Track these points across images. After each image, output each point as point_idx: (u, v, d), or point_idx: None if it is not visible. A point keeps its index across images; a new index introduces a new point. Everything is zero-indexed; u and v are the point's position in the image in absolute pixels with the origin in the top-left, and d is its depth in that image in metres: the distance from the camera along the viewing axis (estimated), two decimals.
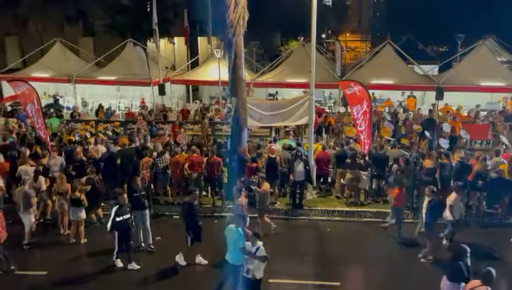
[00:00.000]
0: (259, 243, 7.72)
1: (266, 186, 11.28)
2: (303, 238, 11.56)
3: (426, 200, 10.17)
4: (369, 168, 12.86)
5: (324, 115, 18.79)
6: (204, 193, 13.37)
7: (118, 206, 9.44)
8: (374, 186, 13.18)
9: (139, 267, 9.64)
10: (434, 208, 9.98)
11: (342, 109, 20.63)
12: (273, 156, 12.68)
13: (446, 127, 16.57)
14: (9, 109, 20.74)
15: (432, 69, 23.45)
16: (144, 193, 10.55)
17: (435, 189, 10.45)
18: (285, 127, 16.54)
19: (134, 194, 10.29)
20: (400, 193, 10.99)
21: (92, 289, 9.15)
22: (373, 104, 17.12)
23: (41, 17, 27.22)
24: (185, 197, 10.42)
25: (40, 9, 27.09)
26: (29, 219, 10.57)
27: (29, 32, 27.71)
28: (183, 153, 13.38)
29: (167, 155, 13.07)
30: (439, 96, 18.95)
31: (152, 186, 13.10)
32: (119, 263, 9.64)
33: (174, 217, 12.38)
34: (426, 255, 10.06)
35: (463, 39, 24.14)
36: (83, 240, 10.84)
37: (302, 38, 33.83)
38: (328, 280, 9.36)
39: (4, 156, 13.05)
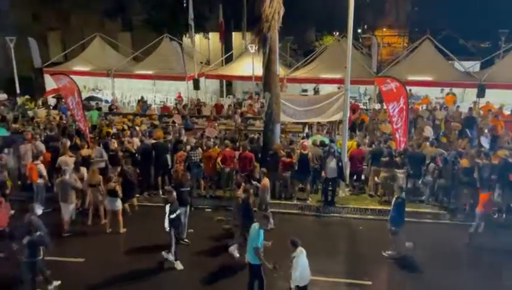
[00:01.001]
0: (298, 252, 7.53)
1: (266, 181, 11.25)
2: (334, 236, 11.45)
3: None
4: (404, 167, 12.57)
5: (358, 111, 18.50)
6: (234, 187, 13.46)
7: (169, 204, 9.42)
8: (409, 186, 12.87)
9: (182, 267, 9.59)
10: None
11: (377, 106, 20.24)
12: (305, 152, 12.59)
13: (487, 126, 15.95)
14: (53, 101, 21.59)
15: (472, 66, 22.58)
16: (189, 188, 10.65)
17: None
18: (318, 123, 16.38)
19: (181, 189, 10.33)
20: (489, 197, 10.66)
21: (126, 276, 9.37)
22: (410, 101, 16.68)
23: (83, 13, 28.12)
24: (240, 193, 10.29)
25: (82, 4, 27.97)
26: (69, 208, 10.95)
27: (71, 27, 28.70)
28: (216, 147, 13.54)
29: (200, 149, 13.24)
30: (481, 94, 18.25)
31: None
32: (179, 265, 9.56)
33: (206, 210, 12.58)
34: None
35: (507, 35, 23.06)
36: (122, 230, 11.13)
37: (338, 33, 33.36)
38: (359, 279, 9.25)
39: (46, 146, 13.62)
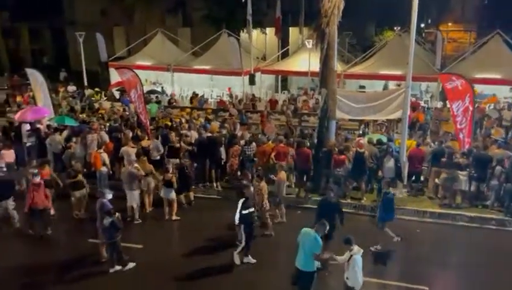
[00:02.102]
0: (355, 249, 7.34)
1: (283, 174, 11.09)
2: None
3: None
4: (467, 169, 11.90)
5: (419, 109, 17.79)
6: (287, 183, 13.41)
7: (244, 199, 9.35)
8: (472, 189, 12.17)
9: (255, 261, 9.52)
10: None
11: (439, 104, 19.32)
12: (362, 150, 12.28)
13: None
14: (116, 94, 22.72)
15: None
16: (247, 184, 10.44)
17: None
18: (375, 121, 15.92)
19: (240, 184, 10.37)
20: None
21: (182, 265, 9.63)
22: (476, 100, 15.75)
23: (146, 9, 29.26)
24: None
25: (146, 1, 29.10)
26: (134, 197, 11.42)
27: (135, 23, 29.94)
28: (270, 142, 13.58)
29: (254, 144, 13.34)
30: None
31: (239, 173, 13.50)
32: (237, 259, 9.48)
33: None
34: None
35: None
36: (174, 217, 11.50)
37: (399, 28, 32.12)
38: (415, 283, 8.91)
39: (109, 137, 14.35)
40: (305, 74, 21.46)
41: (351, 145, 12.98)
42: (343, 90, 15.73)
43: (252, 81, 22.14)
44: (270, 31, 29.81)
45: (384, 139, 13.45)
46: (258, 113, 18.62)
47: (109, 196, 9.29)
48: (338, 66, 16.16)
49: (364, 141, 13.11)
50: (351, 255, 7.32)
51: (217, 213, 11.68)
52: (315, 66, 17.77)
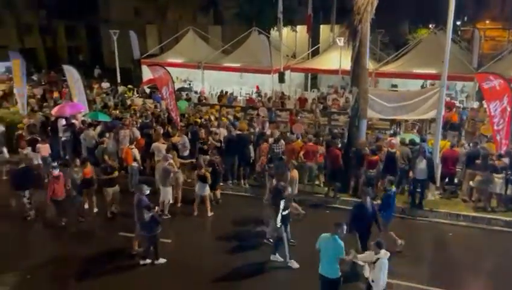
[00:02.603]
0: (382, 253, 7.15)
1: (295, 173, 10.99)
2: (420, 240, 10.84)
3: None
4: (504, 171, 11.46)
5: (454, 110, 17.25)
6: (317, 182, 13.32)
7: (283, 199, 9.20)
8: (509, 192, 11.72)
9: (283, 259, 9.36)
10: None
11: (475, 104, 18.68)
12: (393, 150, 12.03)
13: None
14: (148, 90, 23.15)
15: None
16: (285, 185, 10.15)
17: None
18: (406, 120, 15.56)
19: (278, 187, 9.90)
20: None
21: (211, 259, 9.72)
22: None
23: (178, 7, 29.68)
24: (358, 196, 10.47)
25: None
26: (167, 192, 11.60)
27: (167, 21, 30.41)
28: (299, 140, 13.50)
29: (283, 142, 13.30)
30: None
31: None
32: (279, 258, 9.33)
33: None
34: None
35: None
36: (210, 213, 11.60)
37: (434, 25, 31.26)
38: (445, 288, 8.66)
39: (141, 133, 14.63)
40: (335, 72, 21.21)
41: (383, 145, 12.74)
42: (375, 89, 15.50)
43: (281, 79, 22.07)
44: (300, 28, 29.59)
45: (417, 140, 13.12)
46: (287, 111, 18.54)
47: (147, 191, 9.49)
48: (370, 65, 15.90)
49: (396, 141, 12.84)
50: (378, 259, 7.16)
51: (245, 210, 11.72)
52: (346, 64, 17.53)
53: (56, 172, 10.95)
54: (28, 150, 13.66)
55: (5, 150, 14.32)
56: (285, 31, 28.15)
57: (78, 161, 11.44)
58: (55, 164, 11.36)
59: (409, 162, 11.93)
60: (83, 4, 34.89)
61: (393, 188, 9.92)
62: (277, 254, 9.44)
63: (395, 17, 32.71)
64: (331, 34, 27.35)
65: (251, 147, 13.59)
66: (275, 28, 26.10)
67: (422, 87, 20.83)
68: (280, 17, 21.80)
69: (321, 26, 31.72)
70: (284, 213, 9.15)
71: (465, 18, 53.30)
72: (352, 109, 12.78)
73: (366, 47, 12.21)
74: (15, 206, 11.64)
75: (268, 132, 14.58)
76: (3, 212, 11.67)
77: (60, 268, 9.35)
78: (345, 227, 7.50)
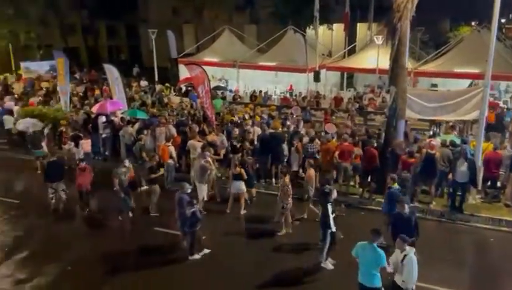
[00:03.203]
0: (408, 249, 6.90)
1: (312, 172, 10.86)
2: (459, 245, 10.45)
3: None
4: None
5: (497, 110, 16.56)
6: (352, 183, 13.12)
7: (331, 203, 9.06)
8: None
9: (333, 266, 9.05)
10: None
11: None
12: (433, 152, 11.67)
13: None
14: (184, 89, 23.55)
15: None
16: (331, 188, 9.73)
17: None
18: (448, 121, 15.05)
19: (325, 189, 9.59)
20: None
21: (242, 257, 9.78)
22: None
23: (215, 7, 30.00)
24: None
25: None
26: (203, 189, 11.72)
27: (204, 20, 30.80)
28: (334, 140, 13.35)
29: (318, 141, 13.19)
30: None
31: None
32: (329, 265, 9.08)
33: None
34: None
35: None
36: (243, 211, 11.64)
37: (477, 23, 30.09)
38: None
39: (177, 130, 14.89)
40: (372, 71, 20.84)
41: (421, 146, 12.39)
42: (414, 89, 15.10)
43: (316, 78, 21.90)
44: (337, 27, 29.26)
45: (458, 141, 12.68)
46: (322, 110, 18.37)
47: (188, 189, 9.70)
48: (409, 64, 15.50)
49: (436, 142, 12.45)
50: (405, 255, 6.86)
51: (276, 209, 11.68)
52: (384, 63, 17.21)
53: (82, 165, 11.56)
54: (70, 146, 14.23)
55: (44, 145, 14.94)
56: (321, 29, 27.90)
57: (126, 162, 11.42)
58: (128, 163, 11.43)
59: (450, 164, 11.54)
60: (123, 4, 35.86)
61: (396, 186, 9.81)
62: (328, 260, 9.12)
63: (435, 14, 31.72)
64: (368, 32, 26.86)
65: (285, 146, 13.54)
66: (311, 27, 25.88)
67: (470, 86, 20.12)
68: (316, 15, 21.61)
69: (358, 24, 31.21)
70: (333, 216, 8.93)
71: (510, 16, 51.00)
72: (389, 109, 12.50)
73: (406, 45, 11.91)
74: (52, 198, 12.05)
75: (302, 131, 14.49)
76: (42, 204, 12.11)
77: (98, 261, 9.63)
78: (381, 235, 7.22)
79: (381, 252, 7.00)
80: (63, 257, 9.70)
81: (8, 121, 17.19)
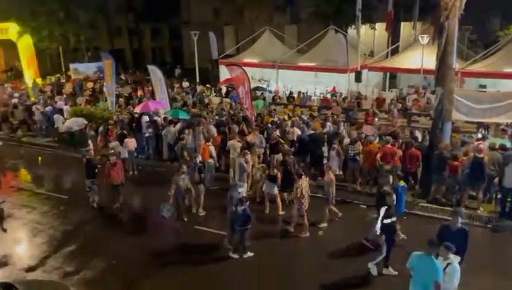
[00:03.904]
0: (452, 257, 6.61)
1: (331, 175, 10.73)
2: (505, 253, 9.93)
3: None
4: None
5: None
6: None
7: (386, 207, 8.61)
8: None
9: (396, 273, 8.66)
10: None
11: None
12: (481, 155, 11.15)
13: None
14: (224, 90, 23.84)
15: None
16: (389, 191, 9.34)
17: None
18: (498, 124, 14.35)
19: (382, 192, 9.37)
20: None
21: (279, 256, 9.78)
22: None
23: (255, 8, 30.17)
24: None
25: (256, 0, 30.02)
26: (243, 187, 11.63)
27: (244, 22, 31.04)
28: (376, 142, 13.07)
29: (359, 143, 12.95)
30: None
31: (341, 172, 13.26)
32: (374, 270, 8.76)
33: (360, 206, 12.26)
34: None
35: None
36: (280, 212, 11.61)
37: None
38: None
39: (217, 130, 15.08)
40: (417, 71, 20.25)
41: (468, 150, 11.88)
42: (461, 90, 14.52)
43: (358, 79, 21.52)
44: (379, 26, 28.59)
45: (508, 145, 12.05)
46: (363, 111, 18.03)
47: (240, 189, 9.85)
48: (456, 64, 14.90)
49: (484, 145, 11.90)
50: (448, 264, 6.59)
51: (314, 212, 11.52)
52: (429, 63, 16.68)
53: (113, 159, 12.01)
54: (115, 144, 14.73)
55: (90, 143, 15.58)
56: (363, 28, 27.36)
57: (184, 168, 11.04)
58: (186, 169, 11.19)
59: (499, 168, 11.00)
60: (167, 7, 36.78)
61: (402, 184, 9.60)
62: (390, 267, 8.78)
63: (484, 12, 30.36)
64: (412, 31, 26.10)
65: (325, 148, 13.40)
66: (353, 26, 25.48)
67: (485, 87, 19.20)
68: (359, 14, 21.25)
69: (402, 23, 30.32)
70: (387, 221, 8.51)
71: None
72: (435, 111, 12.08)
73: (453, 45, 11.46)
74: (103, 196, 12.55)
75: (343, 133, 14.28)
76: (89, 200, 12.62)
77: (141, 257, 9.89)
78: (438, 246, 6.75)
79: (439, 265, 6.59)
80: (108, 251, 10.07)
81: (58, 120, 18.07)
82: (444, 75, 11.63)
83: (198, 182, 11.62)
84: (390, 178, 10.47)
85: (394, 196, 9.14)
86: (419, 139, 13.53)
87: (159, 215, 10.61)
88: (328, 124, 15.38)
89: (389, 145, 12.29)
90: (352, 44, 23.45)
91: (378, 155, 12.24)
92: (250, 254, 9.67)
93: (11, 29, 27.21)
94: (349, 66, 21.47)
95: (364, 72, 22.40)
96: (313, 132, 14.02)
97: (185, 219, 11.21)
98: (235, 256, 9.63)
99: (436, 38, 11.55)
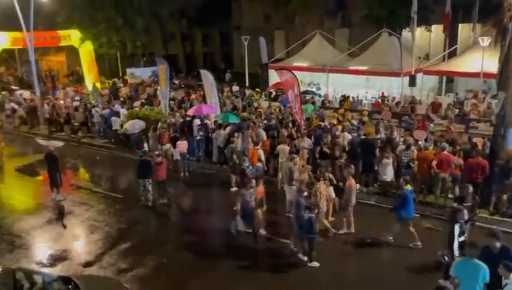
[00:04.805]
0: None
1: (352, 181, 10.45)
2: None
3: None
4: None
5: None
6: (450, 196, 12.19)
7: (459, 223, 8.14)
8: None
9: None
10: None
11: None
12: None
13: None
14: (273, 94, 23.91)
15: None
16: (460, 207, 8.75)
17: None
18: None
19: (455, 207, 8.86)
20: None
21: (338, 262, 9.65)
22: None
23: (306, 12, 30.01)
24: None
25: (307, 4, 29.87)
26: (292, 192, 11.55)
27: (295, 26, 31.00)
28: (431, 148, 12.55)
29: (414, 149, 12.50)
30: None
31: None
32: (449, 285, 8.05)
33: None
34: None
35: None
36: (331, 218, 11.32)
37: None
38: None
39: (266, 134, 15.13)
40: (476, 75, 19.23)
41: None
42: None
43: (412, 83, 20.77)
44: (435, 28, 27.48)
45: None
46: (418, 116, 17.37)
47: (305, 193, 9.82)
48: None
49: None
50: (506, 284, 6.22)
51: (367, 219, 11.22)
52: (489, 66, 15.84)
53: (159, 159, 12.67)
54: (168, 146, 15.21)
55: (146, 145, 16.16)
56: (419, 31, 26.43)
57: (253, 182, 10.33)
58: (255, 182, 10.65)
59: None
60: (218, 12, 37.48)
61: (409, 187, 9.76)
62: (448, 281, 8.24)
63: None
64: (472, 33, 24.85)
65: (377, 153, 13.03)
66: (407, 29, 24.67)
67: None
68: (414, 16, 20.54)
69: (460, 25, 28.98)
70: (461, 239, 8.10)
71: None
72: (497, 116, 11.43)
73: None
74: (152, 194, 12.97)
75: (397, 138, 13.84)
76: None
77: (192, 257, 10.09)
78: (500, 266, 6.35)
79: (485, 266, 6.45)
80: (160, 250, 10.37)
81: (115, 123, 18.92)
82: (507, 78, 10.98)
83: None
84: (470, 188, 9.76)
85: (465, 212, 8.51)
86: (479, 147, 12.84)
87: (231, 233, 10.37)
88: (381, 129, 14.98)
89: (445, 152, 11.76)
90: (406, 47, 22.71)
91: (434, 162, 11.76)
92: (316, 263, 9.41)
93: (73, 36, 28.96)
94: (403, 70, 20.79)
95: (419, 75, 21.59)
96: (365, 136, 13.70)
97: (262, 233, 10.62)
98: (305, 258, 9.51)
99: (498, 41, 10.94)
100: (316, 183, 10.38)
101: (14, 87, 29.79)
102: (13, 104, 23.85)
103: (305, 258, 9.51)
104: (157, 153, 13.22)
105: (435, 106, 18.92)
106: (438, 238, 9.61)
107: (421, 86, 22.14)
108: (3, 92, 25.54)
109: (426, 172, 11.96)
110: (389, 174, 12.43)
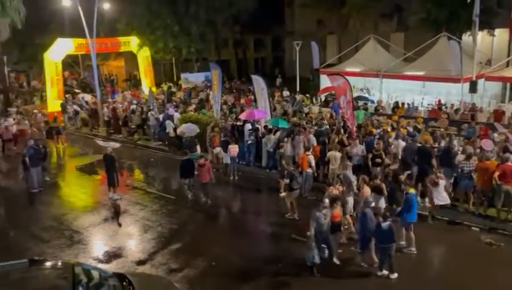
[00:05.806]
0: None
1: (366, 189, 10.22)
2: None
3: None
4: None
5: None
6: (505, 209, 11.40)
7: None
8: None
9: None
10: None
11: None
12: None
13: None
14: (323, 98, 23.62)
15: None
16: None
17: None
18: None
19: None
20: None
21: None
22: None
23: (360, 16, 29.48)
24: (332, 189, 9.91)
25: (361, 8, 29.33)
26: (350, 200, 11.23)
27: (348, 30, 30.55)
28: (493, 159, 11.82)
29: (476, 159, 11.84)
30: None
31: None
32: None
33: (472, 228, 11.18)
34: None
35: None
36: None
37: None
38: None
39: (316, 140, 14.94)
40: None
41: None
42: None
43: (473, 89, 19.71)
44: (499, 32, 25.99)
45: None
46: (479, 125, 16.45)
47: (373, 203, 9.69)
48: None
49: None
50: None
51: (429, 233, 10.76)
52: None
53: (201, 161, 13.12)
54: (218, 149, 15.46)
55: (198, 148, 16.52)
56: (480, 35, 25.09)
57: (326, 202, 9.41)
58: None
59: None
60: (271, 18, 37.73)
61: (413, 191, 9.68)
62: None
63: None
64: None
65: (434, 162, 12.45)
66: (468, 33, 23.49)
67: None
68: (476, 20, 19.51)
69: None
70: None
71: None
72: None
73: None
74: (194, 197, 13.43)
75: (456, 148, 13.18)
76: (194, 201, 13.40)
77: (239, 260, 10.17)
78: None
79: None
80: (209, 252, 10.50)
81: (169, 126, 19.51)
82: None
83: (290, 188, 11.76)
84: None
85: None
86: None
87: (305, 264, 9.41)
88: (439, 137, 14.32)
89: (509, 163, 11.04)
90: (466, 52, 21.63)
91: (496, 173, 11.07)
92: (394, 275, 9.01)
93: (132, 42, 30.25)
94: (463, 76, 19.81)
95: (480, 82, 20.46)
96: (421, 144, 13.16)
97: (337, 263, 9.70)
98: (385, 273, 9.09)
99: None
100: (329, 189, 10.44)
101: (76, 91, 31.58)
102: (76, 107, 25.30)
103: (385, 272, 9.04)
104: (200, 154, 13.66)
105: (498, 114, 17.87)
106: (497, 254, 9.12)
107: (483, 93, 20.96)
108: (66, 96, 27.10)
109: (487, 184, 11.28)
110: (445, 198, 11.43)
